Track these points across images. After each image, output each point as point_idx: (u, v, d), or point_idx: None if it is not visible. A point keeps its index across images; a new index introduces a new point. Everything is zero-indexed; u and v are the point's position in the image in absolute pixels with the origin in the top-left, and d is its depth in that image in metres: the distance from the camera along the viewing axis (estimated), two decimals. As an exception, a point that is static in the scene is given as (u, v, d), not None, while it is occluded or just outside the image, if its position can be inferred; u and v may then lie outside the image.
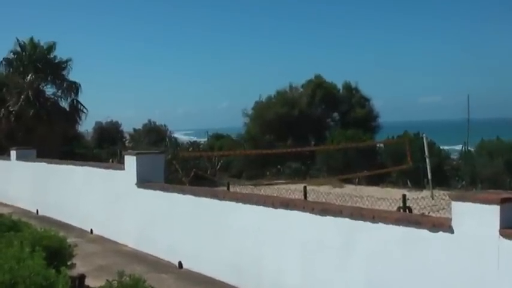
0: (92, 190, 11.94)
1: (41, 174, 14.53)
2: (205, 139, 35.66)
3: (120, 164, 11.92)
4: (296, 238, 6.61)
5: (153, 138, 36.57)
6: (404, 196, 10.02)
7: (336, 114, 33.48)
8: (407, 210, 9.75)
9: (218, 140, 33.84)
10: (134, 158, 10.05)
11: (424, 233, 5.23)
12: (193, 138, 40.34)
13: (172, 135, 39.81)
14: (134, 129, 41.81)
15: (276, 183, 20.36)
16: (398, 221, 5.49)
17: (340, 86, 33.89)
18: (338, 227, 6.05)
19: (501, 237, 4.63)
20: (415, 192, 18.24)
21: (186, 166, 23.16)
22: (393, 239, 5.50)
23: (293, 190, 12.55)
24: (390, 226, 5.53)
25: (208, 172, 23.97)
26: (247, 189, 16.86)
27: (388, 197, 12.40)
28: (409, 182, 21.65)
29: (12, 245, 5.45)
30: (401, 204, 9.89)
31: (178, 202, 8.84)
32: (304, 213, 6.46)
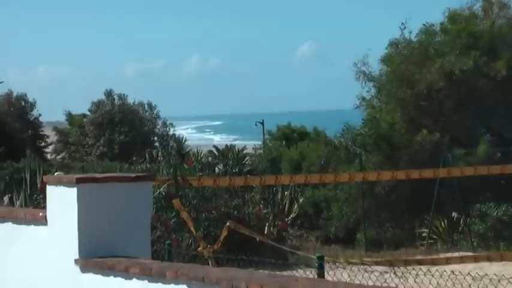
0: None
1: None
2: (259, 142, 36.19)
3: (34, 208, 11.83)
4: None
5: (124, 137, 36.78)
6: None
7: None
8: None
9: (291, 143, 33.88)
10: (73, 191, 10.53)
11: None
12: (223, 140, 41.53)
13: (173, 131, 40.14)
14: (69, 116, 42.34)
15: (449, 259, 21.33)
16: None
17: None
18: None
19: None
20: None
21: (207, 213, 23.97)
22: None
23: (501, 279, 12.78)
24: None
25: (267, 229, 24.29)
26: (370, 276, 17.60)
27: None
28: None
29: None
30: None
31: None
32: None
